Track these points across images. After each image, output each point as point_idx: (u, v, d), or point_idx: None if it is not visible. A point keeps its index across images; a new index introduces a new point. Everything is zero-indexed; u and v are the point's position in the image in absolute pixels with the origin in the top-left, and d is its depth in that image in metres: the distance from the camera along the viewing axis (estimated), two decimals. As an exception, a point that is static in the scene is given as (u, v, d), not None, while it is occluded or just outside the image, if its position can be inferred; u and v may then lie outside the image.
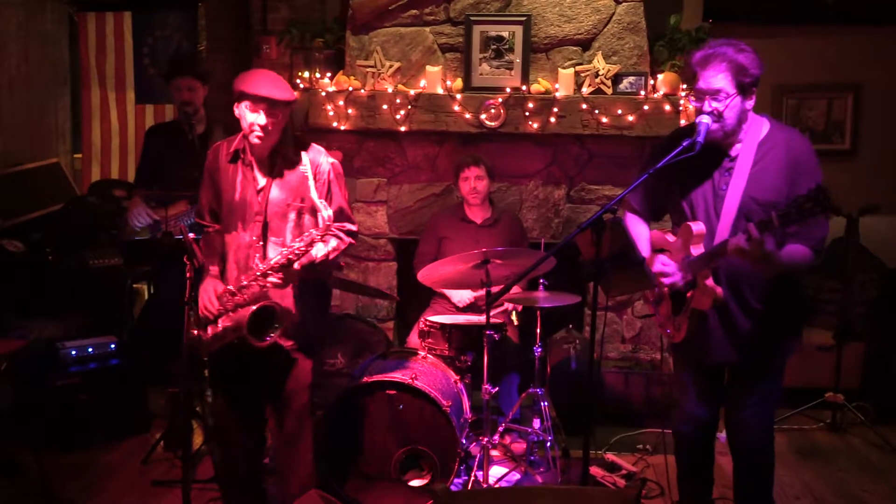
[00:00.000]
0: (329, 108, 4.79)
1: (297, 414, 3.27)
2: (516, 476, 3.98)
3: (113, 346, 4.52)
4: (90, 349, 4.44)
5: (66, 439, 4.27)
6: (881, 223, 4.98)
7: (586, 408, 3.54)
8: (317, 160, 3.15)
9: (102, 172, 5.91)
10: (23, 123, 5.41)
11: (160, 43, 5.87)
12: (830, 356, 4.73)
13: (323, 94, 4.80)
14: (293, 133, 3.22)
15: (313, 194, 3.00)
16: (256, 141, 2.99)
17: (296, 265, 2.94)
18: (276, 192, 3.10)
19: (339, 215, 3.16)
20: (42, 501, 3.71)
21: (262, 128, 2.97)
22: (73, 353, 4.39)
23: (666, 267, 2.94)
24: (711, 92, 2.79)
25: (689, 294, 2.92)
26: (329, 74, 4.91)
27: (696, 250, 2.88)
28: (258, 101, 2.96)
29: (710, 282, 2.84)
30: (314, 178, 3.08)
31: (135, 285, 5.26)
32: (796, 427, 4.71)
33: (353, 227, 3.22)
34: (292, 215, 3.12)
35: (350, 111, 4.78)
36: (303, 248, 2.93)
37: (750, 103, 2.83)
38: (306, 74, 4.96)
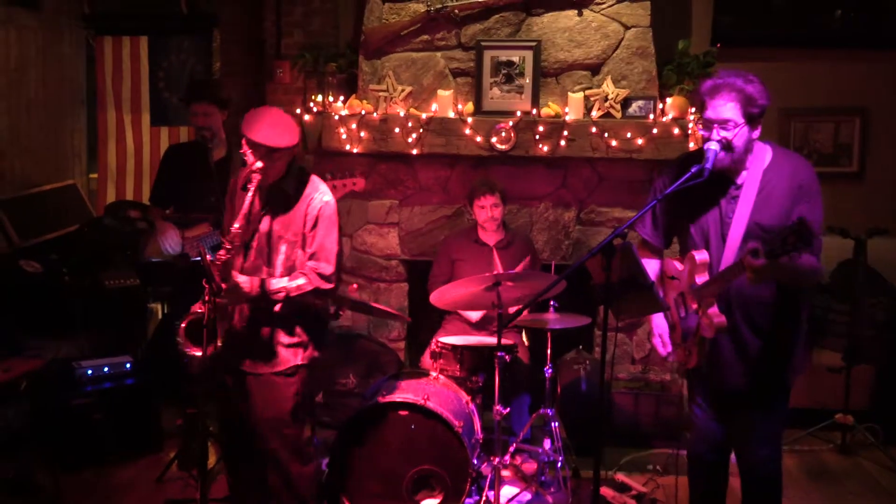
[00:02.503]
0: (342, 131, 4.86)
1: (280, 438, 3.30)
2: (527, 496, 4.00)
3: (128, 365, 4.57)
4: (106, 368, 4.49)
5: (80, 457, 4.31)
6: (890, 245, 5.00)
7: (596, 428, 3.57)
8: (311, 196, 3.22)
9: (118, 193, 6.00)
10: (40, 145, 5.50)
11: (175, 67, 5.97)
12: (840, 378, 4.74)
13: (336, 117, 4.87)
14: (300, 168, 3.28)
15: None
16: (257, 177, 3.08)
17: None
18: (267, 225, 3.20)
19: (317, 255, 3.21)
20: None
21: (260, 170, 3.06)
22: (89, 372, 4.44)
23: (661, 348, 3.11)
24: (720, 121, 2.84)
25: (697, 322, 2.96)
26: (342, 98, 4.99)
27: (701, 279, 2.92)
28: (254, 146, 3.06)
29: (713, 310, 2.87)
30: (304, 213, 3.17)
31: (149, 305, 5.32)
32: (806, 448, 4.72)
33: (327, 271, 3.21)
34: (283, 248, 3.20)
35: (362, 134, 4.85)
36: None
37: (756, 133, 2.89)
38: (319, 98, 5.04)
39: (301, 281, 3.15)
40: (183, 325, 3.06)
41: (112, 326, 4.88)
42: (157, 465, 4.32)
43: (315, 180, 3.29)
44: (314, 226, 3.20)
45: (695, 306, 2.94)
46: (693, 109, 4.67)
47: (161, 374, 4.73)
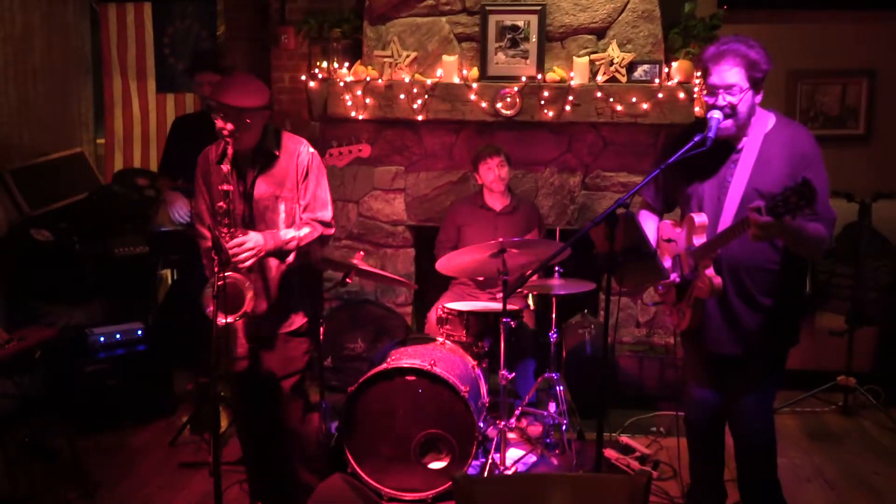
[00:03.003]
0: (347, 97, 4.86)
1: (290, 397, 3.38)
2: (532, 458, 4.09)
3: (140, 331, 4.65)
4: (118, 335, 4.58)
5: (96, 422, 4.42)
6: (895, 208, 5.02)
7: (600, 391, 3.63)
8: (297, 150, 3.27)
9: (125, 161, 6.02)
10: (48, 114, 5.51)
11: (180, 33, 5.95)
12: (843, 340, 4.78)
13: (341, 84, 4.87)
14: (276, 128, 3.31)
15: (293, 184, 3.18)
16: (228, 142, 3.09)
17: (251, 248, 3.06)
18: (262, 188, 3.22)
19: (314, 204, 3.27)
20: (75, 482, 3.84)
21: (230, 132, 3.08)
22: (102, 339, 4.52)
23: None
24: (725, 86, 2.85)
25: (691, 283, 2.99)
26: (347, 64, 4.98)
27: (699, 240, 2.95)
28: (224, 109, 3.08)
29: (710, 271, 2.91)
30: (295, 169, 3.22)
31: (159, 272, 5.37)
32: (808, 410, 4.79)
33: (327, 217, 3.29)
34: (282, 206, 3.24)
35: (368, 101, 4.86)
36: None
37: (758, 98, 2.90)
38: (324, 64, 5.03)
39: (307, 230, 3.24)
40: (210, 292, 3.05)
41: (122, 293, 4.94)
42: (171, 429, 4.42)
43: (294, 136, 3.35)
44: (305, 177, 3.26)
45: (692, 265, 2.97)
46: (698, 74, 4.65)
47: (172, 340, 4.82)
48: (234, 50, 5.69)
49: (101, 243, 4.92)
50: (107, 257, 4.89)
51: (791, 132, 2.94)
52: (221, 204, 3.06)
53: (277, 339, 3.34)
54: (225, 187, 3.04)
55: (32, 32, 5.36)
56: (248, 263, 3.07)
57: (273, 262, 3.26)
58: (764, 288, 2.96)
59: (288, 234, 3.19)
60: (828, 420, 4.72)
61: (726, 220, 2.92)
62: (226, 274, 2.99)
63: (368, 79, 4.87)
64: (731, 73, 2.84)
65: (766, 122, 2.96)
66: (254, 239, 3.09)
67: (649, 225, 3.20)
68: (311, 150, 3.32)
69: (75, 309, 4.74)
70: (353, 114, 4.88)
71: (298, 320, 3.37)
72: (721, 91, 2.86)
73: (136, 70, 5.99)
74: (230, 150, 3.07)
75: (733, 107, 2.85)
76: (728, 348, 3.03)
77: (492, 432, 3.94)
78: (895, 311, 4.96)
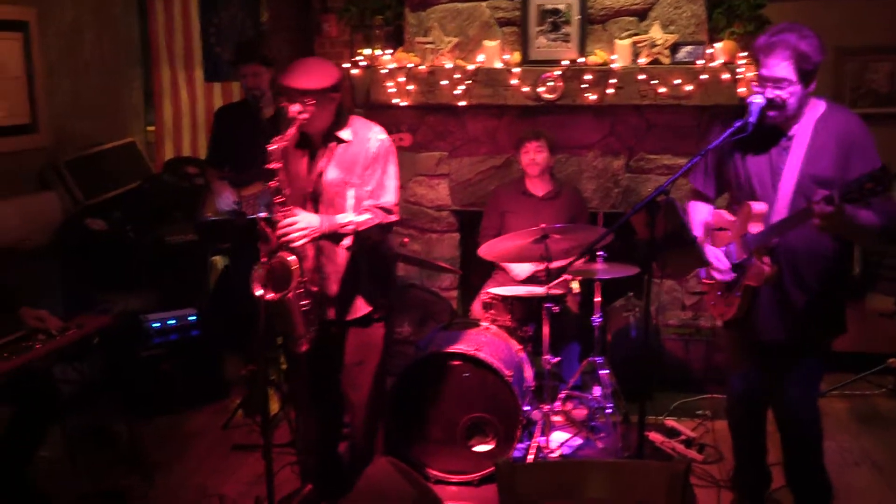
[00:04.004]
0: (390, 84, 4.90)
1: (360, 384, 3.43)
2: (577, 441, 4.13)
3: (193, 317, 4.78)
4: (171, 321, 4.71)
5: (152, 406, 4.56)
6: (947, 186, 4.91)
7: (645, 375, 3.65)
8: (367, 137, 3.28)
9: (175, 149, 6.15)
10: (99, 105, 5.65)
11: (225, 22, 6.05)
12: (893, 322, 4.73)
13: (383, 71, 4.91)
14: (349, 112, 3.32)
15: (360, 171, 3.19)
16: (302, 126, 3.12)
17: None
18: (333, 173, 3.24)
19: (378, 191, 3.27)
20: (133, 465, 3.98)
21: (300, 115, 3.10)
22: (156, 325, 4.66)
23: (719, 263, 3.04)
24: (774, 80, 2.83)
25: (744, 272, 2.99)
26: (389, 51, 5.02)
27: (755, 228, 2.94)
28: (290, 92, 3.10)
29: (766, 258, 2.91)
30: (364, 155, 3.23)
31: (210, 259, 5.50)
32: (858, 393, 4.74)
33: (389, 203, 3.27)
34: (350, 192, 3.25)
35: (410, 87, 4.89)
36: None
37: (811, 87, 2.87)
38: (367, 51, 5.08)
39: (367, 216, 3.22)
40: (258, 272, 3.05)
41: (175, 280, 5.06)
42: (224, 413, 4.55)
43: (366, 122, 3.35)
44: (373, 164, 3.26)
45: (745, 256, 2.97)
46: (744, 53, 4.60)
47: (224, 325, 4.94)
48: (277, 38, 5.77)
49: (153, 231, 5.06)
50: (159, 245, 5.02)
51: (842, 118, 2.92)
52: (272, 183, 3.07)
53: (350, 326, 3.37)
54: (273, 165, 3.05)
55: (83, 26, 5.49)
56: (299, 243, 3.09)
57: (340, 248, 3.27)
58: (817, 275, 2.96)
59: (346, 217, 3.18)
60: (877, 403, 4.67)
61: (781, 207, 2.91)
62: (274, 253, 3.05)
63: (410, 65, 4.90)
64: (780, 68, 2.81)
65: (816, 108, 2.94)
66: (307, 219, 3.10)
67: (700, 214, 3.20)
68: (382, 136, 3.30)
69: (130, 296, 4.87)
70: (395, 100, 4.92)
71: (368, 307, 3.37)
72: (770, 85, 2.85)
73: (183, 60, 6.11)
74: (292, 130, 3.08)
75: (783, 100, 2.84)
76: (777, 335, 3.03)
77: (536, 415, 3.98)
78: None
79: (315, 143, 3.27)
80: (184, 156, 6.02)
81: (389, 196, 3.29)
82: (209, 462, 4.10)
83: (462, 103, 4.88)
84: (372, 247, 3.32)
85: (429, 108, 5.03)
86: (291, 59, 5.49)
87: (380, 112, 4.99)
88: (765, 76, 2.86)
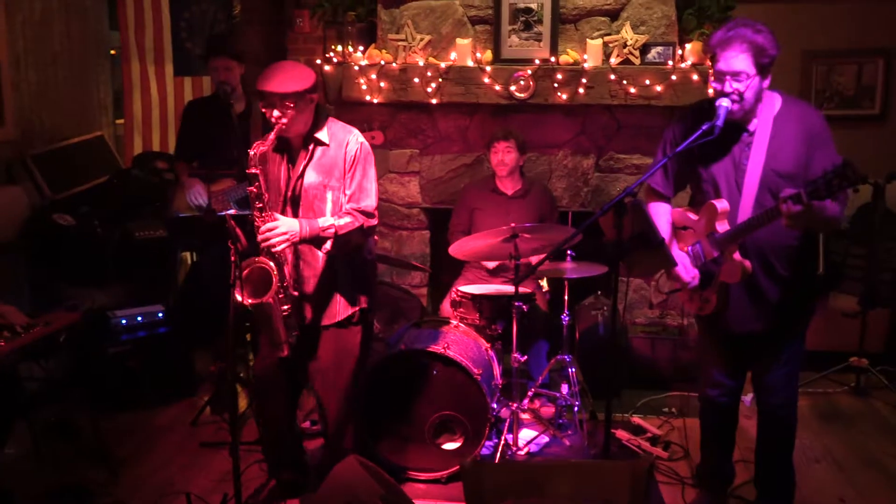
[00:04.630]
0: (362, 81, 4.90)
1: (336, 387, 3.44)
2: (545, 439, 4.16)
3: (160, 314, 4.75)
4: (139, 318, 4.67)
5: (119, 403, 4.52)
6: (910, 188, 5.00)
7: (612, 373, 3.69)
8: (346, 140, 3.28)
9: (144, 144, 6.11)
10: (67, 98, 5.59)
11: (196, 17, 6.00)
12: (856, 321, 4.80)
13: (356, 67, 4.91)
14: (327, 115, 3.34)
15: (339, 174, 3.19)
16: (282, 130, 3.12)
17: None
18: (311, 176, 3.24)
19: (358, 195, 3.28)
20: (98, 460, 3.94)
21: (278, 119, 3.11)
22: (124, 321, 4.62)
23: (685, 270, 3.09)
24: (733, 73, 2.87)
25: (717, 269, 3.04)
26: (361, 48, 5.02)
27: (722, 226, 2.99)
28: (268, 96, 3.10)
29: (737, 255, 2.96)
30: (343, 158, 3.24)
31: (178, 254, 5.47)
32: (820, 390, 4.82)
33: (370, 207, 3.29)
34: (329, 195, 3.26)
35: (382, 84, 4.89)
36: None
37: (766, 82, 2.92)
38: (339, 48, 5.07)
39: (347, 219, 3.23)
40: (241, 276, 3.05)
41: (143, 276, 5.03)
42: (192, 409, 4.52)
43: (344, 125, 3.35)
44: (352, 168, 3.26)
45: (715, 254, 3.01)
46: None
47: (192, 321, 4.91)
48: (249, 33, 5.74)
49: (121, 227, 5.01)
50: (127, 240, 4.98)
51: (800, 111, 2.98)
52: (251, 188, 3.08)
53: (328, 329, 3.38)
54: (253, 170, 3.05)
55: (51, 17, 5.43)
56: (279, 248, 3.10)
57: (320, 251, 3.27)
58: (786, 263, 3.02)
59: (326, 221, 3.20)
60: (839, 401, 4.75)
61: (746, 203, 2.96)
62: (255, 259, 3.05)
63: (383, 62, 4.90)
64: (737, 60, 2.86)
65: (773, 103, 2.99)
66: (287, 224, 3.11)
67: (661, 214, 3.24)
68: (361, 139, 3.32)
69: (98, 292, 4.84)
70: (367, 97, 4.92)
71: (348, 310, 3.38)
72: (728, 78, 2.89)
73: (153, 54, 6.06)
74: (272, 136, 3.09)
75: (740, 94, 2.88)
76: (754, 325, 3.10)
77: (505, 413, 4.01)
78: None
79: (293, 145, 3.27)
80: (153, 151, 5.97)
81: (370, 200, 3.30)
82: (177, 458, 4.08)
83: (434, 101, 4.89)
84: (352, 250, 3.32)
85: (401, 106, 5.04)
86: (264, 53, 5.55)
87: (352, 109, 5.00)
88: (723, 70, 2.89)
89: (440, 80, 4.84)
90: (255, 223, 3.09)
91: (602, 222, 2.97)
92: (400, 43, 4.92)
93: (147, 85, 6.09)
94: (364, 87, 4.90)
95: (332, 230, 3.17)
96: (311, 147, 3.25)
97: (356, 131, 3.35)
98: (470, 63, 4.85)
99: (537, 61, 4.79)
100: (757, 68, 2.87)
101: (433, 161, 5.15)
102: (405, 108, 5.05)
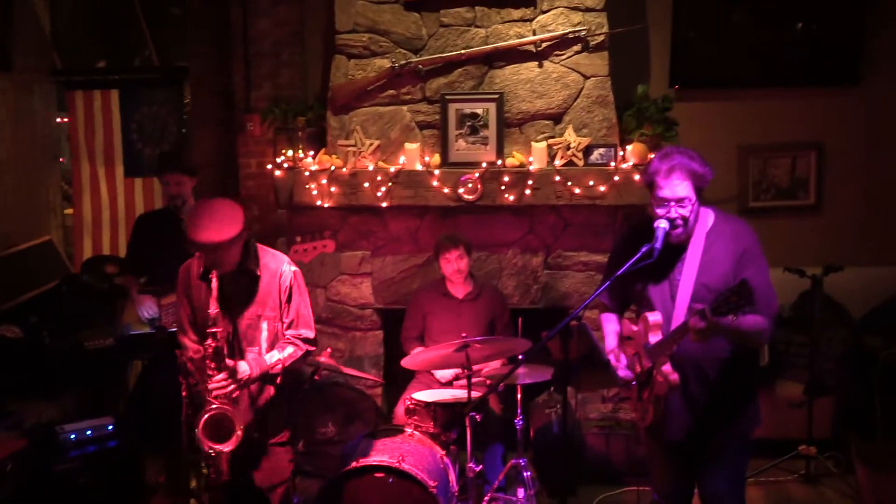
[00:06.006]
0: (312, 186, 4.97)
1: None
2: (503, 544, 4.14)
3: (110, 426, 4.64)
4: (88, 432, 4.57)
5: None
6: (848, 276, 5.14)
7: (567, 472, 3.71)
8: (279, 269, 3.36)
9: (94, 245, 6.08)
10: (15, 204, 5.57)
11: (148, 118, 6.06)
12: (803, 410, 4.90)
13: (306, 173, 4.98)
14: (255, 247, 3.39)
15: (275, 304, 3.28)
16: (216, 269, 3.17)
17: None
18: (248, 308, 3.30)
19: (298, 322, 3.36)
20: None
21: (213, 265, 3.16)
22: (73, 437, 4.51)
23: (615, 361, 3.20)
24: (678, 199, 3.02)
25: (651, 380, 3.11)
26: (312, 152, 5.10)
27: (654, 337, 3.09)
28: (202, 247, 3.14)
29: (667, 367, 3.04)
30: (278, 288, 3.31)
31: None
32: (772, 479, 4.88)
33: (311, 335, 3.39)
34: (265, 325, 3.32)
35: (333, 189, 4.96)
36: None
37: (699, 205, 3.06)
38: (290, 153, 5.13)
39: (290, 350, 3.31)
40: (200, 424, 3.13)
41: (93, 385, 4.96)
42: (143, 524, 4.43)
43: (274, 252, 3.42)
44: (289, 297, 3.33)
45: (648, 365, 3.10)
46: (653, 155, 4.80)
47: (142, 429, 4.83)
48: (200, 136, 5.79)
49: (70, 336, 4.95)
50: (77, 351, 4.90)
51: (731, 227, 3.13)
52: (209, 342, 3.12)
53: (263, 451, 3.42)
54: (212, 329, 3.10)
55: (0, 125, 5.43)
56: (233, 396, 3.16)
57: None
58: (721, 372, 3.10)
59: (273, 357, 3.27)
60: (790, 489, 4.82)
61: (679, 317, 3.06)
62: (213, 407, 3.10)
63: (333, 168, 4.98)
64: (681, 188, 3.00)
65: (706, 219, 3.14)
66: (240, 369, 3.17)
67: (610, 324, 3.34)
68: (293, 267, 3.40)
69: (45, 404, 4.75)
70: (318, 202, 4.98)
71: (282, 432, 3.46)
72: (673, 204, 3.02)
73: (104, 155, 6.08)
74: (214, 286, 3.12)
75: (685, 218, 3.02)
76: (683, 434, 3.15)
77: (463, 520, 4.00)
78: (851, 380, 5.08)
79: (226, 280, 3.29)
80: (103, 254, 5.94)
81: (310, 327, 3.38)
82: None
83: (384, 204, 4.97)
84: (293, 381, 3.37)
85: (351, 209, 5.11)
86: (215, 156, 5.60)
87: (303, 213, 5.05)
88: (668, 197, 3.03)
89: (390, 183, 4.93)
90: (207, 372, 3.10)
91: (550, 344, 3.05)
92: (350, 148, 5.01)
93: (97, 186, 6.10)
94: (315, 192, 4.97)
95: (280, 365, 3.24)
96: (242, 279, 3.30)
97: (286, 258, 3.43)
98: (419, 167, 4.95)
99: (484, 164, 4.92)
100: (697, 193, 3.01)
101: (385, 262, 5.21)
102: (356, 211, 5.12)
